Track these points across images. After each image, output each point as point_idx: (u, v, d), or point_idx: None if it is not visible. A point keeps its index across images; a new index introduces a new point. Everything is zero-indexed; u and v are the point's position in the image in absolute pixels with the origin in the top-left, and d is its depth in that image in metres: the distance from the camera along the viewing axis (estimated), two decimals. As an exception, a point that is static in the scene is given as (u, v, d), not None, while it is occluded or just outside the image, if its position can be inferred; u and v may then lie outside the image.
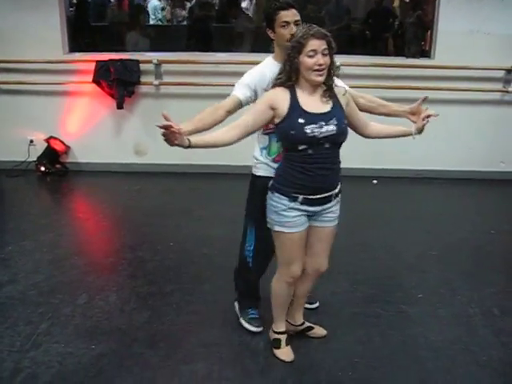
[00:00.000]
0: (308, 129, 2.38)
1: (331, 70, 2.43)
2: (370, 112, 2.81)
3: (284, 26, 2.61)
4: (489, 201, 5.33)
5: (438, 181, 5.68)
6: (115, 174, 5.78)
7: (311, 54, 2.35)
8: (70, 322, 3.09)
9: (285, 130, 2.44)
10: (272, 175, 2.62)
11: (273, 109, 2.44)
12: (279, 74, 2.48)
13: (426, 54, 5.91)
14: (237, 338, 2.96)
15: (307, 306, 3.07)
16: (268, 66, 2.71)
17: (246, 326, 3.04)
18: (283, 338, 2.83)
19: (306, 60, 2.36)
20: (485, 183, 5.64)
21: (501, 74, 5.59)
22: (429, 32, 5.90)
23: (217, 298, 3.37)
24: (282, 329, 2.85)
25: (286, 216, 2.51)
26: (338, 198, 2.61)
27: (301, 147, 2.41)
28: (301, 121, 2.39)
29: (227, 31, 6.84)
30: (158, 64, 5.65)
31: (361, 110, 2.74)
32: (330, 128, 2.40)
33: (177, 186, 5.61)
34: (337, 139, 2.44)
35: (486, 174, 5.73)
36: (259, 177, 2.80)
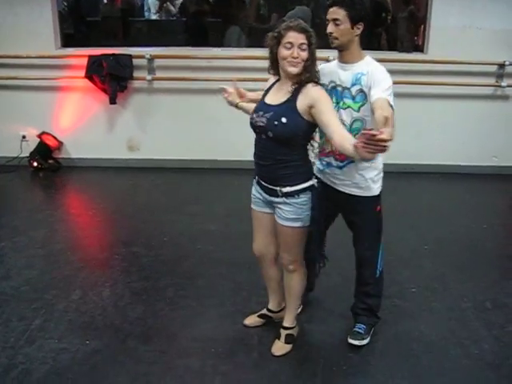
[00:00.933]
0: (251, 115, 2.54)
1: (308, 66, 2.40)
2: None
3: (328, 22, 2.60)
4: (481, 195, 5.34)
5: (431, 175, 5.70)
6: (108, 169, 5.77)
7: (288, 45, 2.38)
8: (63, 318, 3.08)
9: None
10: (316, 172, 2.71)
11: None
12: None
13: (418, 48, 5.91)
14: (231, 333, 2.96)
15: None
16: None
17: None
18: (264, 310, 3.02)
19: (282, 51, 2.40)
20: (477, 178, 5.67)
21: (493, 68, 5.61)
22: (422, 27, 5.91)
23: (211, 293, 3.37)
24: (269, 306, 2.99)
25: (252, 190, 2.71)
26: (286, 200, 2.50)
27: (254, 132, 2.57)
28: (255, 107, 2.57)
29: (222, 26, 6.80)
30: (151, 59, 5.63)
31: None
32: (262, 120, 2.45)
33: (170, 181, 5.60)
34: (266, 133, 2.44)
35: (478, 169, 5.75)
36: None
